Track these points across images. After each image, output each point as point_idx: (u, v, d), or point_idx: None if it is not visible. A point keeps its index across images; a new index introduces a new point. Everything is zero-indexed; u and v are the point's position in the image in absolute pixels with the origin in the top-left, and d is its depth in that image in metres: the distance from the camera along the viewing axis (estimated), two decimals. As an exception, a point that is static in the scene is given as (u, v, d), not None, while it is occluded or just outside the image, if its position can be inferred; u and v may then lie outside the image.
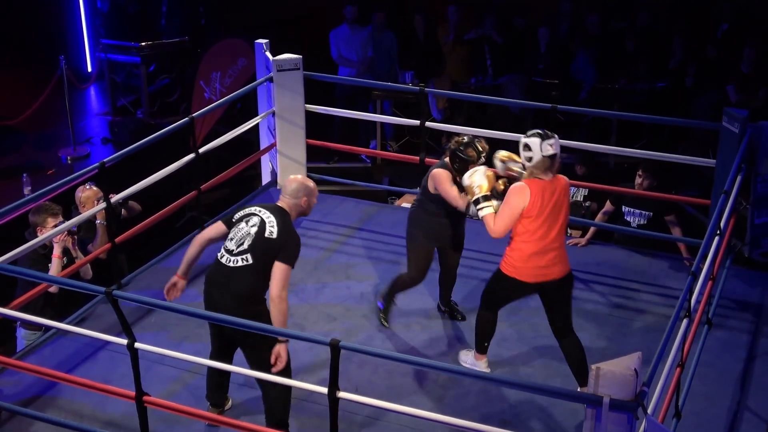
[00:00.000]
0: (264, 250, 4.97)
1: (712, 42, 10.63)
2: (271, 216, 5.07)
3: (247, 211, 5.17)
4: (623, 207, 7.37)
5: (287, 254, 4.97)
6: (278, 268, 4.93)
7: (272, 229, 5.00)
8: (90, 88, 12.44)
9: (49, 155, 10.49)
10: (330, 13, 11.54)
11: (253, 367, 5.08)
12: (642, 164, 7.29)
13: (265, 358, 4.96)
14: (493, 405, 5.56)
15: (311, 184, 5.26)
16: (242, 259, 4.99)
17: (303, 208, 5.21)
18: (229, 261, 5.01)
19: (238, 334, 5.00)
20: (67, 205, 6.95)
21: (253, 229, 5.03)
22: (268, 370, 4.93)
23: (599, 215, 7.56)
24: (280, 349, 4.96)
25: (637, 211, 7.30)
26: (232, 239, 5.07)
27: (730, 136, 6.47)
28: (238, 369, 5.06)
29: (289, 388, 5.09)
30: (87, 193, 6.88)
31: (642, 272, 7.04)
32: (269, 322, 4.91)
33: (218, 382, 5.42)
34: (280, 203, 5.19)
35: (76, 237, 6.53)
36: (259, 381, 5.09)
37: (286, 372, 4.98)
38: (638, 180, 7.22)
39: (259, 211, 5.11)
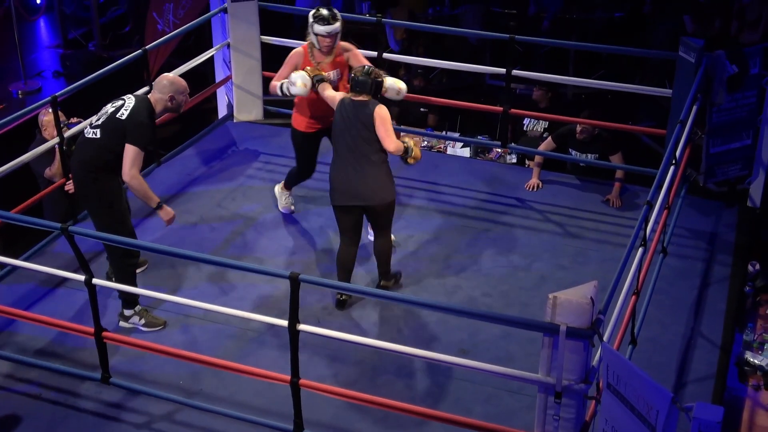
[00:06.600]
0: (112, 130, 5.37)
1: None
2: (133, 102, 5.45)
3: (123, 97, 5.56)
4: (570, 149, 7.34)
5: (133, 136, 5.33)
6: (127, 149, 5.34)
7: (124, 112, 5.40)
8: (39, 19, 12.09)
9: (-1, 90, 10.28)
10: (285, -58, 11.32)
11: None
12: (583, 112, 7.25)
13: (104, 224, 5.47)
14: (451, 335, 5.62)
15: (182, 83, 5.59)
16: (93, 132, 5.44)
17: (170, 105, 5.54)
18: (87, 132, 5.49)
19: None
20: (22, 140, 6.83)
21: (111, 109, 5.47)
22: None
23: (536, 158, 7.49)
24: (162, 214, 5.54)
25: (583, 155, 7.28)
26: (98, 115, 5.55)
27: (686, 66, 6.48)
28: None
29: (128, 260, 5.52)
30: (48, 117, 6.77)
31: (597, 202, 7.10)
32: (104, 188, 5.41)
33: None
34: (149, 95, 5.56)
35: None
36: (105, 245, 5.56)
37: None
38: (579, 133, 7.19)
39: (128, 97, 5.52)
